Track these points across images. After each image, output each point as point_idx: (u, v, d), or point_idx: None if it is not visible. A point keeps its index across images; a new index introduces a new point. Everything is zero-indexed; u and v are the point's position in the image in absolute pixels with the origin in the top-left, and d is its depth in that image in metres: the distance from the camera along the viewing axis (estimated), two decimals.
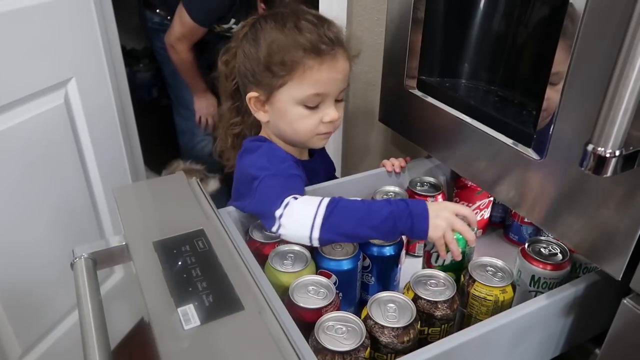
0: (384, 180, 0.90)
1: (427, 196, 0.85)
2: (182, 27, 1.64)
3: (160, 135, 2.05)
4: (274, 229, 0.66)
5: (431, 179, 0.89)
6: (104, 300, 0.61)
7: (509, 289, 0.64)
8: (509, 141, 0.67)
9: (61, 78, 1.20)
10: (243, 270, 0.59)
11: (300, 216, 0.64)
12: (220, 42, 1.99)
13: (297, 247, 0.69)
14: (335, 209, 0.64)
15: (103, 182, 1.36)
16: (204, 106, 1.86)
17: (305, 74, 0.72)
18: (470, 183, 0.89)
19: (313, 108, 0.75)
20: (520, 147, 0.65)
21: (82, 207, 1.32)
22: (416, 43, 0.82)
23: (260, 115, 0.79)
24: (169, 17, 1.70)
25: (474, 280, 0.64)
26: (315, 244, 0.65)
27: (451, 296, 0.61)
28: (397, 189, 0.86)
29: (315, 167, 0.88)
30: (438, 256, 0.73)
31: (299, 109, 0.75)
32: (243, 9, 1.70)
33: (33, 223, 1.19)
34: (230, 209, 0.77)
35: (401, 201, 0.65)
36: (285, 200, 0.66)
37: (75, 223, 1.31)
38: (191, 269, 0.58)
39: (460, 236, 0.65)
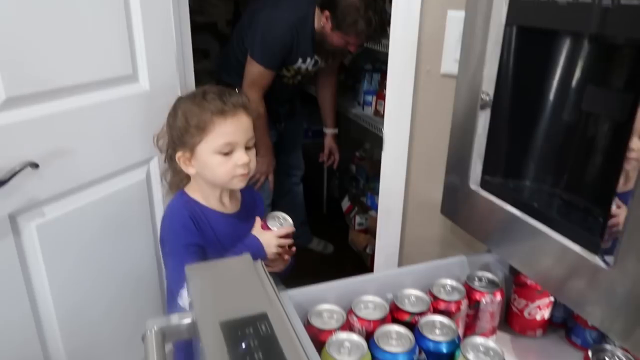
0: (441, 273, 0.90)
1: (484, 292, 0.84)
2: (251, 74, 1.79)
3: None
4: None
5: (489, 275, 0.88)
6: None
7: None
8: (574, 246, 0.67)
9: (146, 156, 1.33)
10: (302, 357, 0.60)
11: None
12: (293, 92, 2.15)
13: (354, 337, 0.70)
14: None
15: None
16: (266, 163, 1.97)
17: (215, 129, 0.96)
18: (530, 281, 0.87)
19: (227, 155, 0.97)
20: (586, 254, 0.65)
21: (150, 279, 1.41)
22: (481, 144, 0.84)
23: (189, 170, 1.01)
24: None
25: None
26: None
27: None
28: (454, 283, 0.86)
29: (240, 219, 1.08)
30: None
31: (217, 157, 0.97)
32: (307, 46, 1.84)
33: (103, 293, 1.27)
34: (291, 293, 0.79)
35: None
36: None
37: (143, 294, 1.39)
38: (254, 352, 0.60)
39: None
